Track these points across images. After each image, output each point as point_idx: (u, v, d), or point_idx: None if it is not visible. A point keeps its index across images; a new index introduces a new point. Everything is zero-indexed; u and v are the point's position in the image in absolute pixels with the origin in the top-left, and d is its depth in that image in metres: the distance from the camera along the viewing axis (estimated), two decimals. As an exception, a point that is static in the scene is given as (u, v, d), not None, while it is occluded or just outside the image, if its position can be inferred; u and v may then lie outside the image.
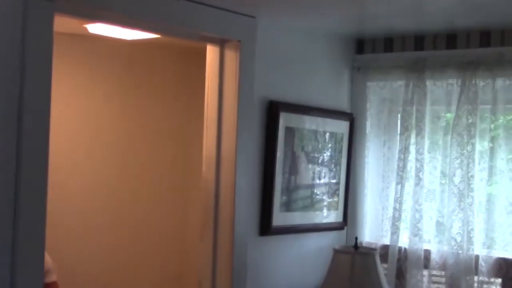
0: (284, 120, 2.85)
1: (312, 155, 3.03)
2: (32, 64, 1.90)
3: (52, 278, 2.99)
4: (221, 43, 2.68)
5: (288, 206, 2.91)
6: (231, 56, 2.67)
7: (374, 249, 2.85)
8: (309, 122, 3.01)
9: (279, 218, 2.85)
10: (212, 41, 2.67)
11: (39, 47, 1.93)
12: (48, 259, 2.95)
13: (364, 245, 3.04)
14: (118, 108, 3.81)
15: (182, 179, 3.86)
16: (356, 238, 2.86)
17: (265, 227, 2.79)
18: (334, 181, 3.17)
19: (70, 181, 3.65)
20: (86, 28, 2.80)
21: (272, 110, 2.80)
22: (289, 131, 2.89)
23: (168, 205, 3.98)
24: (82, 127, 3.73)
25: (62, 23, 2.28)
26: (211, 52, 2.72)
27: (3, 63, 1.82)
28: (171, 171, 4.01)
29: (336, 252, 2.75)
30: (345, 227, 3.25)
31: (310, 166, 3.03)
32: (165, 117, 3.92)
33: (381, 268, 2.82)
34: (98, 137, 3.80)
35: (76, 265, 3.69)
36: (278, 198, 2.84)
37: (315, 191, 3.07)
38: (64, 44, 3.10)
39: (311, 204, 3.04)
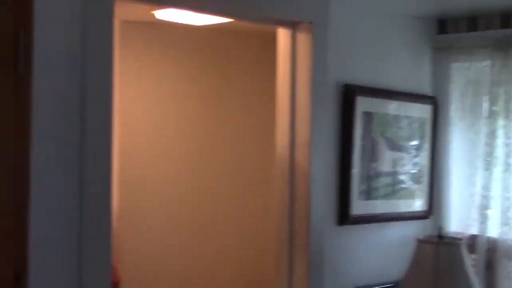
0: (361, 104, 2.73)
1: (392, 141, 2.90)
2: (93, 53, 1.86)
3: None
4: (293, 26, 2.58)
5: (368, 194, 2.79)
6: (303, 39, 2.57)
7: (460, 239, 2.68)
8: (389, 107, 2.88)
9: (358, 206, 2.74)
10: (284, 23, 2.57)
11: (100, 35, 1.88)
12: None
13: (450, 234, 2.88)
14: (188, 98, 3.79)
15: (262, 170, 3.80)
16: (440, 228, 2.70)
17: (344, 216, 2.69)
18: (417, 168, 3.02)
19: (147, 176, 3.66)
20: (153, 15, 2.76)
21: (348, 94, 2.69)
22: (367, 116, 2.77)
23: (249, 198, 3.95)
24: (152, 120, 3.73)
25: (128, 11, 2.24)
26: (283, 36, 2.63)
27: (63, 54, 1.79)
28: (250, 162, 3.97)
29: (419, 242, 2.60)
30: (430, 216, 3.09)
31: (390, 152, 2.89)
32: (239, 106, 3.88)
33: (468, 258, 2.65)
34: (168, 130, 3.79)
35: (155, 260, 3.70)
36: (356, 186, 2.73)
37: (397, 178, 2.93)
38: (132, 33, 3.09)
39: (393, 192, 2.91)
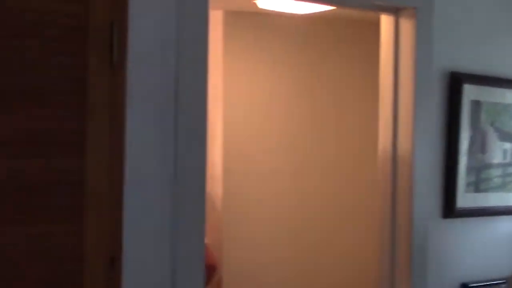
0: (469, 93, 2.61)
1: (503, 131, 2.75)
2: (187, 43, 1.88)
3: None
4: (396, 12, 2.51)
5: (475, 187, 2.67)
6: (406, 25, 2.49)
7: None
8: (499, 95, 2.73)
9: (465, 199, 2.63)
10: (386, 9, 2.51)
11: (195, 25, 1.90)
12: None
13: None
14: (292, 87, 3.78)
15: (365, 162, 3.74)
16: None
17: (449, 209, 2.58)
18: (531, 159, 2.86)
19: (250, 168, 3.70)
20: (255, 4, 2.76)
21: (455, 83, 2.58)
22: (475, 105, 2.64)
23: (352, 189, 3.93)
24: (256, 111, 3.75)
25: (231, 1, 2.25)
26: (385, 22, 2.56)
27: (158, 42, 1.82)
28: (352, 155, 3.94)
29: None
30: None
31: (501, 143, 2.75)
32: (342, 95, 3.84)
33: None
34: (272, 120, 3.81)
35: (258, 247, 3.74)
36: (463, 178, 2.62)
37: (508, 170, 2.78)
38: (233, 22, 3.11)
39: (503, 184, 2.76)
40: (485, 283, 2.67)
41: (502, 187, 2.75)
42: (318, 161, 4.00)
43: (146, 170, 1.78)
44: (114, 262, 1.72)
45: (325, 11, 2.84)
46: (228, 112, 3.73)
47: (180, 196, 1.84)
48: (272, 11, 2.86)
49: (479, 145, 2.67)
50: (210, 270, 3.17)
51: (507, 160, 2.77)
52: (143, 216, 1.77)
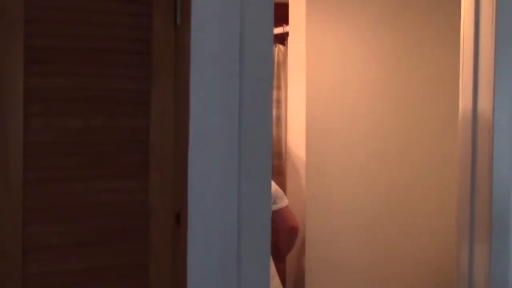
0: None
1: None
2: (251, 5, 1.88)
3: (284, 203, 3.08)
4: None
5: None
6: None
7: None
8: None
9: (552, 162, 2.51)
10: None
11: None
12: (274, 186, 3.03)
13: None
14: (372, 57, 3.78)
15: (448, 126, 3.66)
16: None
17: (534, 172, 2.48)
18: None
19: (333, 138, 3.72)
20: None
21: (542, 38, 2.46)
22: None
23: (434, 159, 3.88)
24: (338, 83, 3.77)
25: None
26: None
27: (221, 5, 1.83)
28: (435, 119, 3.88)
29: None
30: None
31: None
32: (424, 61, 3.80)
33: None
34: (354, 90, 3.81)
35: (338, 219, 3.76)
36: (551, 139, 2.50)
37: None
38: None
39: None
40: None
41: None
42: (401, 129, 3.96)
43: (211, 131, 1.80)
44: (179, 218, 1.77)
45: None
46: (311, 80, 3.73)
47: (245, 155, 1.85)
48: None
49: None
50: (293, 232, 3.19)
51: None
52: (208, 175, 1.80)
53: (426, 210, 4.05)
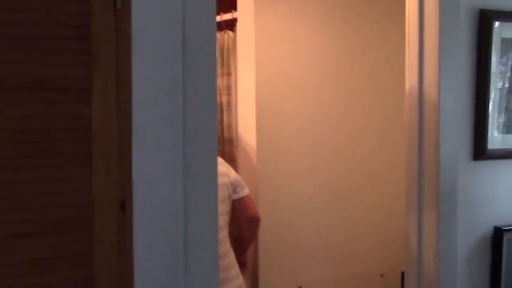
0: (500, 30, 2.51)
1: (538, 69, 2.65)
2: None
3: (245, 192, 3.08)
4: None
5: (508, 128, 2.58)
6: (430, -39, 2.41)
7: None
8: (534, 32, 2.63)
9: (497, 140, 2.55)
10: None
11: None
12: (235, 175, 3.03)
13: None
14: (321, 41, 3.81)
15: (396, 106, 3.71)
16: None
17: (479, 151, 2.51)
18: None
19: (283, 123, 3.71)
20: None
21: (484, 20, 2.48)
22: (507, 42, 2.54)
23: (383, 141, 3.93)
24: (288, 68, 3.78)
25: None
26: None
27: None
28: (383, 101, 3.94)
29: None
30: None
31: (536, 82, 2.65)
32: (370, 45, 3.83)
33: None
34: (303, 76, 3.84)
35: (291, 201, 3.78)
36: (494, 119, 2.54)
37: (544, 110, 2.69)
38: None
39: (539, 125, 2.67)
40: (521, 227, 2.61)
41: (538, 128, 2.66)
42: (350, 112, 4.01)
43: (155, 117, 1.78)
44: (124, 206, 1.75)
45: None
46: (261, 67, 3.73)
47: (191, 141, 1.83)
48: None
49: (511, 84, 2.58)
50: (254, 221, 3.18)
51: (544, 100, 2.67)
52: (153, 162, 1.77)
53: (378, 191, 4.10)
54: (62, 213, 1.68)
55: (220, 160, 3.07)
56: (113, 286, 1.73)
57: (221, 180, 2.94)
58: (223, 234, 2.91)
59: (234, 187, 3.03)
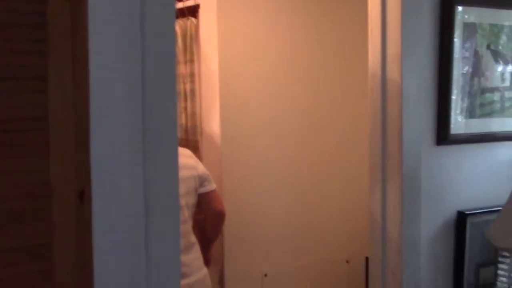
0: (463, 14, 2.51)
1: (500, 53, 2.65)
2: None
3: (212, 186, 3.06)
4: None
5: (471, 112, 2.59)
6: None
7: None
8: (497, 16, 2.62)
9: (460, 125, 2.55)
10: None
11: None
12: (203, 168, 3.00)
13: None
14: (282, 28, 3.79)
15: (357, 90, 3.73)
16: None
17: (442, 136, 2.51)
18: (532, 83, 2.77)
19: (247, 110, 3.70)
20: None
21: (446, 4, 2.48)
22: (469, 27, 2.54)
23: (346, 123, 3.94)
24: (251, 53, 3.76)
25: None
26: None
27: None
28: (345, 86, 3.96)
29: (526, 161, 2.40)
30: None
31: (498, 66, 2.65)
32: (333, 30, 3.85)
33: None
34: (266, 62, 3.83)
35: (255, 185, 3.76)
36: (457, 103, 2.54)
37: (507, 94, 2.69)
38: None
39: (501, 109, 2.67)
40: (483, 210, 2.61)
41: (500, 112, 2.67)
42: (315, 101, 4.01)
43: (113, 105, 1.73)
44: (83, 197, 1.70)
45: None
46: (224, 53, 3.70)
47: (149, 128, 1.79)
48: None
49: (475, 69, 2.58)
50: (220, 216, 3.14)
51: (506, 84, 2.68)
52: (112, 151, 1.73)
53: (342, 179, 4.11)
54: (19, 205, 1.63)
55: (188, 152, 3.04)
56: (72, 278, 1.69)
57: (188, 172, 2.91)
58: (188, 226, 2.88)
59: (202, 180, 3.00)
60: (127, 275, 1.73)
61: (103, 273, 1.69)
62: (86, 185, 1.70)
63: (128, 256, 1.72)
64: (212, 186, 3.05)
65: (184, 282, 2.72)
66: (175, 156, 1.84)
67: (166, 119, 1.82)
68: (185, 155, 2.92)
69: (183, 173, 2.88)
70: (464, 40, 2.53)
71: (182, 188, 2.76)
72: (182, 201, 2.82)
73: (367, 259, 2.59)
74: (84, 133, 1.69)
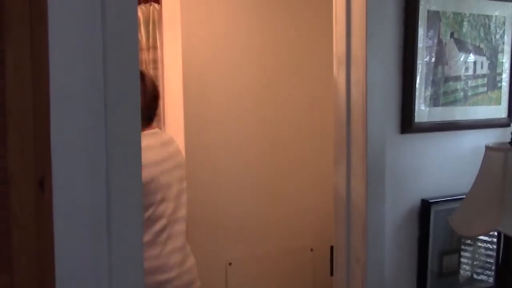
0: (426, 2, 2.51)
1: (464, 42, 2.66)
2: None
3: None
4: None
5: (435, 101, 2.60)
6: None
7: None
8: (460, 4, 2.62)
9: (424, 113, 2.56)
10: None
11: None
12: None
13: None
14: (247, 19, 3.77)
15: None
16: (514, 134, 2.49)
17: (406, 124, 2.51)
18: (494, 71, 2.78)
19: (210, 95, 3.67)
20: None
21: (411, -8, 2.49)
22: (433, 15, 2.54)
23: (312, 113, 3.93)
24: (215, 43, 3.73)
25: None
26: None
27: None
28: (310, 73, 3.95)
29: (488, 149, 2.41)
30: (512, 124, 2.86)
31: (462, 55, 2.66)
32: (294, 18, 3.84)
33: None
34: (230, 50, 3.80)
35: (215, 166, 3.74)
36: (421, 92, 2.54)
37: (470, 83, 2.71)
38: None
39: (464, 98, 2.69)
40: (447, 199, 2.63)
41: (463, 101, 2.68)
42: (277, 90, 4.00)
43: (73, 91, 1.69)
44: (43, 185, 1.66)
45: None
46: (187, 40, 3.66)
47: (111, 113, 1.74)
48: None
49: (438, 57, 2.59)
50: None
51: (469, 73, 2.69)
52: (73, 138, 1.69)
53: (306, 167, 4.10)
54: (-24, 193, 1.58)
55: (170, 137, 2.88)
56: (32, 267, 1.64)
57: (180, 158, 2.82)
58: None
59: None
60: (89, 265, 1.69)
61: (64, 262, 1.65)
62: (47, 173, 1.65)
63: (90, 245, 1.69)
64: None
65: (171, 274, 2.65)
66: (138, 143, 1.81)
67: (128, 106, 1.78)
68: (171, 141, 2.81)
69: (180, 159, 2.80)
70: (428, 28, 2.53)
71: (178, 175, 2.72)
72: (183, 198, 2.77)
73: (332, 247, 2.59)
74: (44, 118, 1.65)
